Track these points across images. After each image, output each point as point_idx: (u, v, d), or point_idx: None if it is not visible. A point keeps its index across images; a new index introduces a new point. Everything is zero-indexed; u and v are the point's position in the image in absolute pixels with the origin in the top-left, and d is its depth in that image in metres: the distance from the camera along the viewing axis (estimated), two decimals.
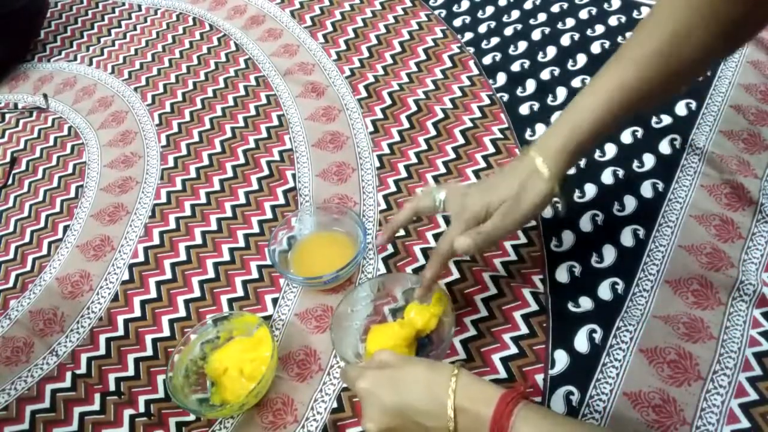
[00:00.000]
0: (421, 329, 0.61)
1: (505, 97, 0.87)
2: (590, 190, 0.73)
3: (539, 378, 0.59)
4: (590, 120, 0.52)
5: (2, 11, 1.08)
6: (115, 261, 0.79)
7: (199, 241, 0.78)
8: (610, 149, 0.76)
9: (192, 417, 0.63)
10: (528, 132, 0.81)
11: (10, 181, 0.95)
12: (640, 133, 0.77)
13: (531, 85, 0.87)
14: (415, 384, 0.48)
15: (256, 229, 0.78)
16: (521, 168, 0.54)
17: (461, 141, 0.82)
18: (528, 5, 1.00)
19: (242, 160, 0.87)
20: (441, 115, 0.86)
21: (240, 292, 0.72)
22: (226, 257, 0.76)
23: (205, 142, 0.91)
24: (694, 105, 0.78)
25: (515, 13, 1.00)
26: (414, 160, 0.82)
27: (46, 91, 1.09)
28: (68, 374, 0.69)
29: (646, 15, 0.52)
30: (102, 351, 0.71)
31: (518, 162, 0.56)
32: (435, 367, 0.49)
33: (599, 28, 0.92)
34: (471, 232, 0.55)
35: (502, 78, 0.89)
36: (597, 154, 0.76)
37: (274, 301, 0.71)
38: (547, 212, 0.72)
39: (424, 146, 0.83)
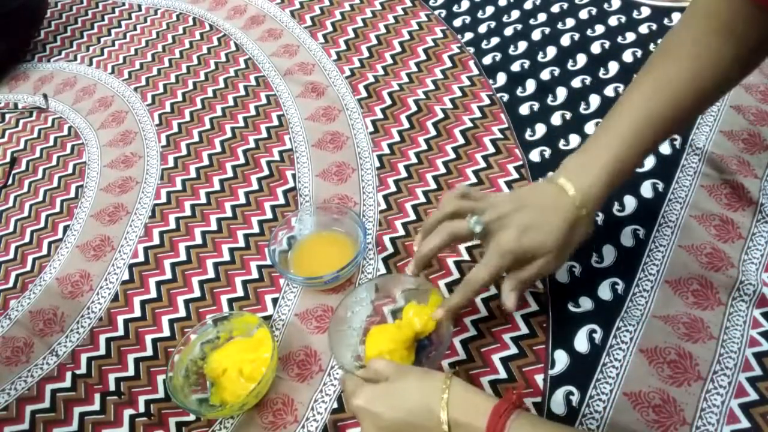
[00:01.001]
0: (420, 331, 0.61)
1: (505, 97, 0.87)
2: None
3: (539, 378, 0.59)
4: (624, 161, 0.53)
5: (0, 11, 1.08)
6: (115, 261, 0.79)
7: (199, 241, 0.78)
8: None
9: (192, 417, 0.63)
10: (528, 132, 0.81)
11: (10, 181, 0.95)
12: None
13: (531, 85, 0.87)
14: (409, 397, 0.48)
15: (256, 229, 0.78)
16: (563, 208, 0.53)
17: (461, 141, 0.82)
18: (528, 5, 1.00)
19: (242, 160, 0.87)
20: (441, 115, 0.86)
21: (240, 292, 0.72)
22: (226, 257, 0.76)
23: (205, 142, 0.91)
24: None
25: (515, 13, 1.00)
26: (414, 160, 0.82)
27: (46, 91, 1.09)
28: (68, 374, 0.69)
29: (663, 42, 0.53)
30: (102, 351, 0.71)
31: (557, 199, 0.53)
32: (427, 377, 0.49)
33: (599, 28, 0.92)
34: (513, 282, 0.53)
35: (502, 78, 0.89)
36: None
37: (274, 301, 0.71)
38: None
39: (424, 146, 0.83)
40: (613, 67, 0.86)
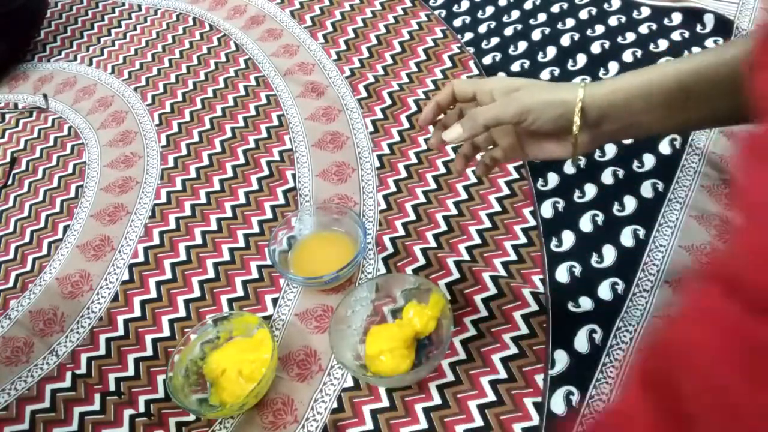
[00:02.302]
0: (420, 331, 0.61)
1: None
2: (590, 190, 0.73)
3: (539, 378, 0.59)
4: (639, 82, 0.50)
5: (1, 11, 1.08)
6: (115, 261, 0.79)
7: (199, 241, 0.78)
8: (610, 149, 0.76)
9: (192, 417, 0.63)
10: None
11: (10, 181, 0.95)
12: None
13: None
14: None
15: (256, 229, 0.78)
16: (560, 84, 0.53)
17: None
18: (528, 5, 1.00)
19: (242, 160, 0.87)
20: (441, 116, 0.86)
21: (240, 292, 0.72)
22: (226, 257, 0.76)
23: (205, 142, 0.91)
24: None
25: (515, 13, 1.00)
26: (414, 160, 0.82)
27: (46, 91, 1.09)
28: (68, 374, 0.69)
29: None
30: (102, 351, 0.71)
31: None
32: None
33: (599, 28, 0.92)
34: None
35: None
36: (597, 154, 0.76)
37: (274, 301, 0.71)
38: (547, 212, 0.72)
39: (424, 146, 0.83)
40: (613, 67, 0.86)
